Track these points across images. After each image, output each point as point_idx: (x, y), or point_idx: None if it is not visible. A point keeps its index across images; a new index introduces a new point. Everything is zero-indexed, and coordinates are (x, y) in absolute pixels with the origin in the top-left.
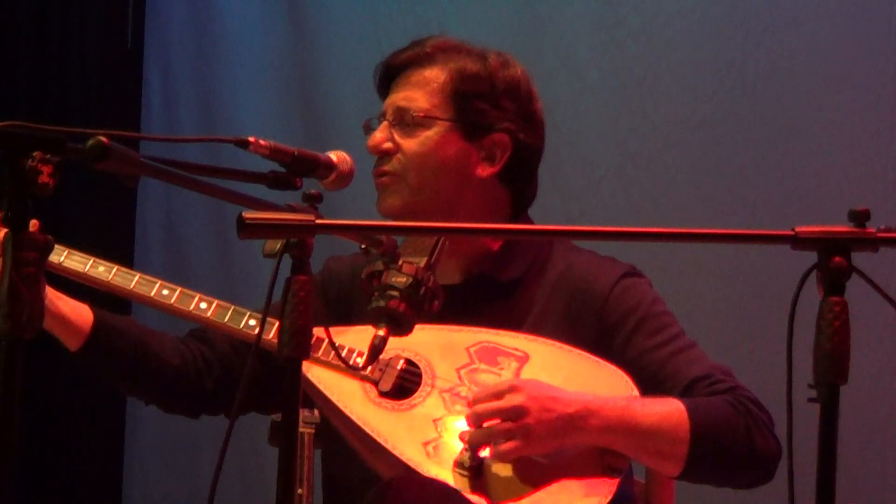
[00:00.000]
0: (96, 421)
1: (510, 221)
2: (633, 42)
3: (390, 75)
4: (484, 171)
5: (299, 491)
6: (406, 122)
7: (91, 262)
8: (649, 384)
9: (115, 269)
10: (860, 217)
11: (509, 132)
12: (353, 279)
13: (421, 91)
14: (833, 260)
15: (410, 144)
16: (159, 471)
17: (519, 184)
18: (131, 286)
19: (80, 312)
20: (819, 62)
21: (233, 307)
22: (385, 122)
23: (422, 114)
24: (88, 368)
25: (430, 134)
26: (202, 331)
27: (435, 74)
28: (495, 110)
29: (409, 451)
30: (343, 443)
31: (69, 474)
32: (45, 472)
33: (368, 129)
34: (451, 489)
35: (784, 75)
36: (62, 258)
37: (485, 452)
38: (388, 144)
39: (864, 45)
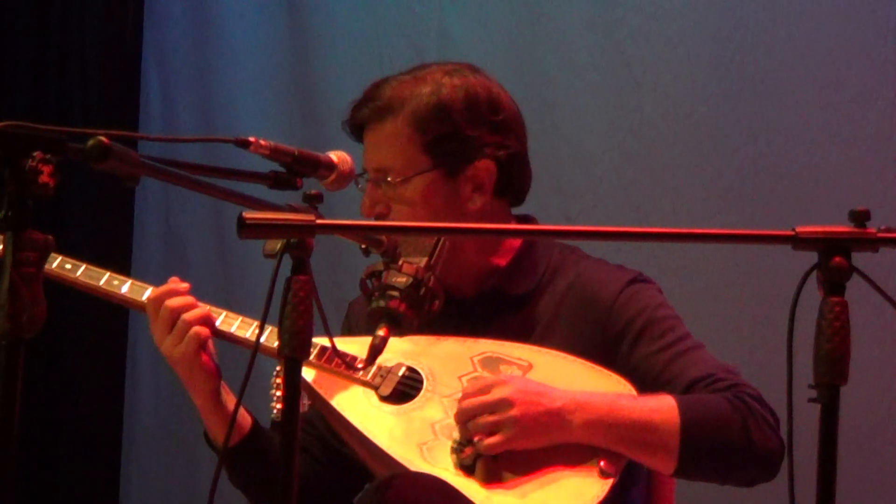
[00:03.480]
0: (94, 421)
1: (512, 215)
2: (631, 42)
3: (357, 132)
4: (476, 204)
5: None
6: (388, 184)
7: (107, 276)
8: (653, 388)
9: (129, 283)
10: (860, 217)
11: (488, 156)
12: None
13: (390, 150)
14: (833, 260)
15: (399, 204)
16: (157, 471)
17: (514, 188)
18: (144, 298)
19: (242, 412)
20: (819, 62)
21: (241, 317)
22: (370, 184)
23: (400, 177)
24: (234, 465)
25: (412, 190)
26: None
27: (398, 128)
28: (466, 143)
29: (403, 452)
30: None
31: (67, 474)
32: (44, 471)
33: (358, 184)
34: (449, 486)
35: (783, 75)
36: (78, 273)
37: (475, 451)
38: (378, 208)
39: (864, 45)
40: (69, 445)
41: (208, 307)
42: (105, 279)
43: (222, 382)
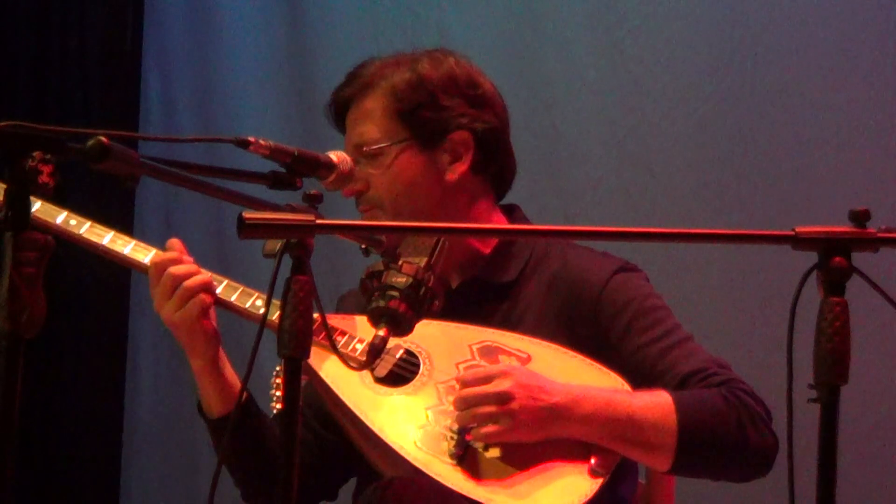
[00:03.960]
0: (95, 420)
1: (496, 202)
2: (631, 42)
3: (340, 114)
4: (453, 174)
5: None
6: (366, 156)
7: (112, 234)
8: (645, 381)
9: (132, 244)
10: (860, 217)
11: (465, 127)
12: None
13: (368, 123)
14: (833, 260)
15: (376, 176)
16: (157, 471)
17: (494, 166)
18: (146, 261)
19: (237, 383)
20: (819, 61)
21: (242, 287)
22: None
23: (375, 146)
24: (224, 436)
25: (389, 160)
26: None
27: (375, 102)
28: (442, 112)
29: (395, 435)
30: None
31: (67, 474)
32: (44, 471)
33: None
34: (449, 490)
35: (784, 75)
36: (83, 230)
37: (471, 441)
38: (357, 185)
39: (864, 45)
40: (69, 445)
41: (210, 274)
42: (109, 238)
43: (221, 350)
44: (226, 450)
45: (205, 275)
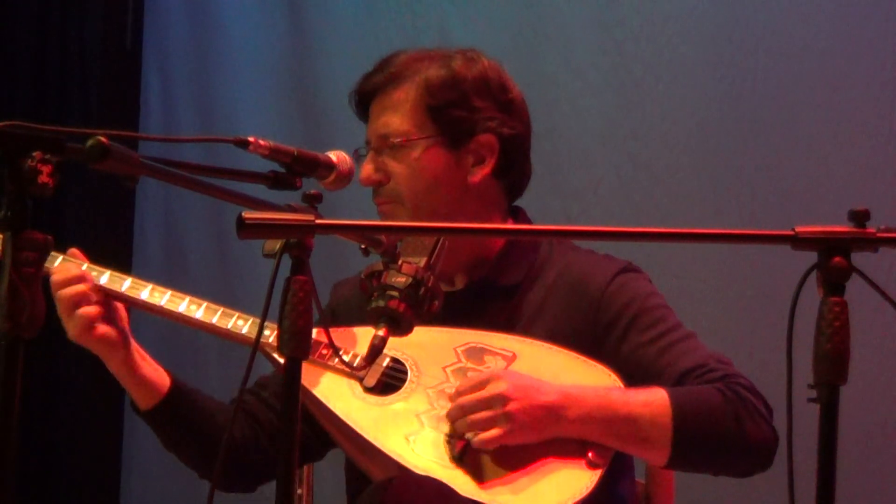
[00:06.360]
0: (95, 421)
1: (508, 209)
2: (632, 42)
3: (365, 102)
4: (476, 176)
5: (298, 491)
6: (390, 147)
7: (83, 266)
8: (645, 378)
9: (107, 274)
10: (860, 217)
11: (492, 130)
12: (360, 301)
13: (396, 114)
14: (833, 260)
15: (399, 169)
16: (157, 471)
17: (514, 173)
18: (122, 289)
19: (160, 375)
20: (819, 62)
21: (222, 308)
22: (371, 152)
23: (403, 138)
24: (156, 428)
25: (415, 155)
26: (247, 402)
27: (405, 94)
28: (473, 113)
29: (390, 442)
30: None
31: (68, 475)
32: (44, 472)
33: (358, 156)
34: (449, 488)
35: (784, 75)
36: (55, 264)
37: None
38: (377, 175)
39: (864, 45)
40: (69, 445)
41: (86, 267)
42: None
43: (133, 348)
44: (163, 440)
45: (71, 273)
